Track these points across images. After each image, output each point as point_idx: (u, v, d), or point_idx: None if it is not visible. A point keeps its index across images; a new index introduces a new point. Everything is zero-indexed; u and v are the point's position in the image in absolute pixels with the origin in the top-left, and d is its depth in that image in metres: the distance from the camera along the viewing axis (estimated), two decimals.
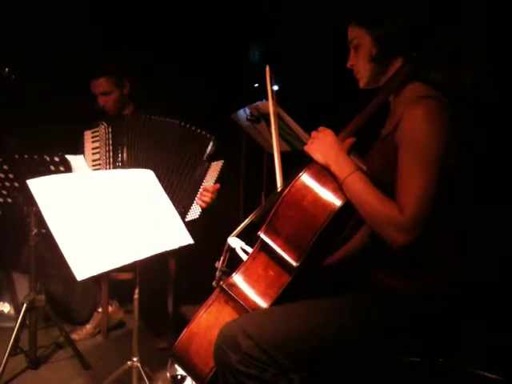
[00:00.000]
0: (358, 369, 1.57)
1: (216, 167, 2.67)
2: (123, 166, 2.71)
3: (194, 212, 2.69)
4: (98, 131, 2.82)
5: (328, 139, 1.60)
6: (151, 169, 2.08)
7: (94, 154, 2.80)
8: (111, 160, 2.75)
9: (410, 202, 1.43)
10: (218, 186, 2.62)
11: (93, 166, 2.79)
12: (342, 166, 1.54)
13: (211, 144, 2.64)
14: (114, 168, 2.74)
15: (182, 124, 2.67)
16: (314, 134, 1.64)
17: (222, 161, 2.68)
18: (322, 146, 1.59)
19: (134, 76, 3.02)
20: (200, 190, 2.64)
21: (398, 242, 1.45)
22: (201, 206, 2.62)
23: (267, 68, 2.33)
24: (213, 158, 2.67)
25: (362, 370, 1.57)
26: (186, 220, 2.63)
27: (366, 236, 1.74)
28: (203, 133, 2.66)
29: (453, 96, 1.57)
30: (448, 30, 1.58)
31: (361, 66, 1.65)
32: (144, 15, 3.68)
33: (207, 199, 2.59)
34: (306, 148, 1.62)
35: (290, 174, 1.69)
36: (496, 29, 2.04)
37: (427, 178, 1.45)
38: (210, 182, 2.66)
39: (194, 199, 2.65)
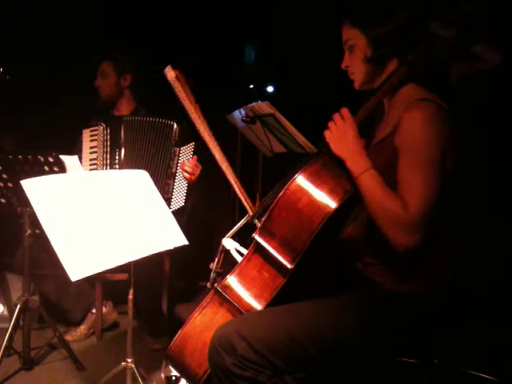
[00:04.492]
0: (353, 370, 1.57)
1: (187, 150, 2.80)
2: (120, 168, 2.76)
3: (179, 201, 2.77)
4: (96, 130, 2.84)
5: (350, 134, 1.55)
6: (139, 168, 2.10)
7: (91, 153, 2.84)
8: (108, 161, 2.79)
9: (415, 204, 1.44)
10: (195, 157, 2.75)
11: (90, 165, 2.82)
12: (357, 162, 1.53)
13: (175, 129, 2.76)
14: (110, 169, 2.78)
15: (148, 119, 2.79)
16: (336, 118, 1.58)
17: (193, 143, 2.80)
18: (342, 139, 1.55)
19: (138, 73, 3.02)
20: (178, 174, 2.76)
21: (404, 243, 1.44)
22: (189, 179, 2.70)
23: (168, 69, 2.04)
24: (182, 142, 2.79)
25: (357, 371, 1.57)
26: (171, 210, 2.67)
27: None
28: (165, 121, 2.78)
29: (449, 97, 1.58)
30: (444, 30, 1.58)
31: (356, 67, 1.65)
32: (143, 16, 3.68)
33: (189, 169, 2.68)
34: (325, 133, 1.59)
35: (285, 176, 1.69)
36: (495, 26, 2.04)
37: (429, 179, 1.46)
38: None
39: (173, 186, 2.74)
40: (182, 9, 3.72)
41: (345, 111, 1.58)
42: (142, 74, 3.04)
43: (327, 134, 1.59)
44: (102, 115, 2.99)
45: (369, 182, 1.51)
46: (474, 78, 2.16)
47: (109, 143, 2.81)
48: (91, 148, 2.86)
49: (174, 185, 2.76)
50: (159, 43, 3.67)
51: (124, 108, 3.06)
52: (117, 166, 2.80)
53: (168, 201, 2.70)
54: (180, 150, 2.78)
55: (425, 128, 1.47)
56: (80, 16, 3.52)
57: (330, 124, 1.59)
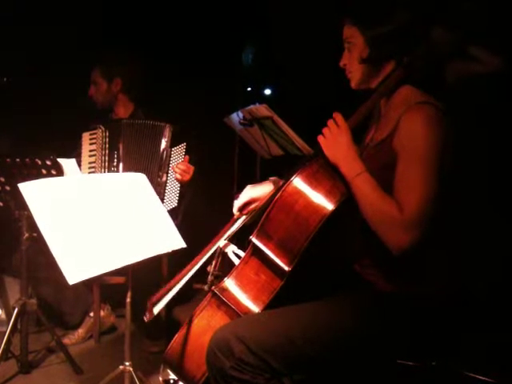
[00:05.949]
0: (352, 372, 1.57)
1: (179, 150, 2.82)
2: (118, 171, 2.77)
3: (171, 202, 2.80)
4: (95, 134, 2.85)
5: (344, 139, 1.56)
6: (135, 170, 2.11)
7: (90, 156, 2.86)
8: (107, 164, 2.81)
9: (411, 202, 1.44)
10: (187, 157, 2.76)
11: (89, 168, 2.83)
12: (351, 165, 1.54)
13: (167, 131, 2.78)
14: (108, 172, 2.79)
15: (143, 121, 2.82)
16: (330, 124, 1.59)
17: (185, 143, 2.82)
18: (336, 145, 1.57)
19: (127, 75, 3.02)
20: (169, 174, 2.78)
21: (400, 244, 1.44)
22: (180, 180, 2.72)
23: None
24: (174, 143, 2.81)
25: (356, 373, 1.57)
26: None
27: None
28: (157, 123, 2.80)
29: (446, 98, 1.59)
30: (442, 32, 1.59)
31: (353, 66, 1.65)
32: (143, 17, 3.68)
33: (179, 171, 2.69)
34: (319, 139, 1.60)
35: (282, 177, 1.69)
36: (495, 26, 2.05)
37: (427, 179, 1.46)
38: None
39: (165, 187, 2.77)
40: (181, 9, 3.72)
41: (338, 117, 1.59)
42: (133, 75, 3.03)
43: (321, 140, 1.60)
44: (102, 118, 3.00)
45: (362, 184, 1.51)
46: (472, 79, 2.17)
47: (107, 146, 2.83)
48: (90, 151, 2.87)
49: (165, 185, 2.78)
50: (158, 44, 3.67)
51: (121, 111, 3.06)
52: (115, 169, 2.81)
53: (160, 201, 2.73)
54: (171, 150, 2.80)
55: (425, 130, 1.48)
56: (80, 16, 3.52)
57: (325, 130, 1.60)
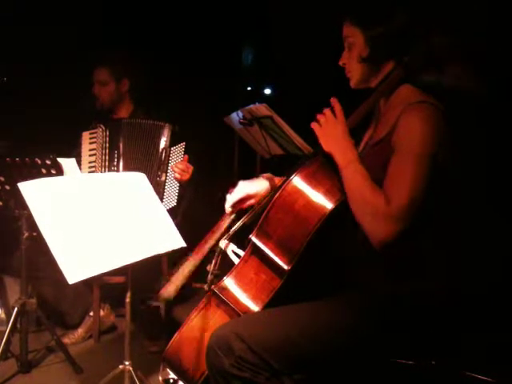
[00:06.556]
0: (351, 371, 1.57)
1: (178, 150, 2.84)
2: (118, 170, 2.78)
3: (170, 201, 2.81)
4: (95, 133, 2.85)
5: (340, 130, 1.57)
6: (135, 169, 2.11)
7: (90, 155, 2.86)
8: (107, 163, 2.82)
9: (398, 195, 1.45)
10: (186, 156, 2.76)
11: (89, 167, 2.84)
12: (345, 154, 1.54)
13: (166, 130, 2.80)
14: (108, 171, 2.79)
15: (143, 121, 2.83)
16: (327, 112, 1.60)
17: (183, 143, 2.83)
18: (332, 134, 1.57)
19: (134, 76, 3.03)
20: (168, 174, 2.79)
21: (382, 237, 1.45)
22: (179, 179, 2.72)
23: None
24: (173, 142, 2.83)
25: (355, 372, 1.57)
26: None
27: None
28: (157, 122, 2.82)
29: (446, 97, 1.59)
30: (440, 31, 1.59)
31: (352, 66, 1.66)
32: (142, 17, 3.69)
33: (178, 170, 2.69)
34: (313, 126, 1.61)
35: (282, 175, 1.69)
36: (496, 29, 2.05)
37: (418, 176, 1.46)
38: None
39: (164, 186, 2.78)
40: (181, 10, 3.73)
41: (337, 106, 1.59)
42: (140, 76, 3.03)
43: (317, 128, 1.60)
44: (102, 118, 3.00)
45: (353, 173, 1.52)
46: (473, 79, 2.17)
47: (107, 145, 2.83)
48: (90, 150, 2.88)
49: (165, 185, 2.79)
50: (158, 44, 3.68)
51: (123, 111, 3.06)
52: (115, 169, 2.81)
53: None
54: (170, 149, 2.81)
55: (422, 128, 1.49)
56: (80, 16, 3.52)
57: (320, 117, 1.60)
